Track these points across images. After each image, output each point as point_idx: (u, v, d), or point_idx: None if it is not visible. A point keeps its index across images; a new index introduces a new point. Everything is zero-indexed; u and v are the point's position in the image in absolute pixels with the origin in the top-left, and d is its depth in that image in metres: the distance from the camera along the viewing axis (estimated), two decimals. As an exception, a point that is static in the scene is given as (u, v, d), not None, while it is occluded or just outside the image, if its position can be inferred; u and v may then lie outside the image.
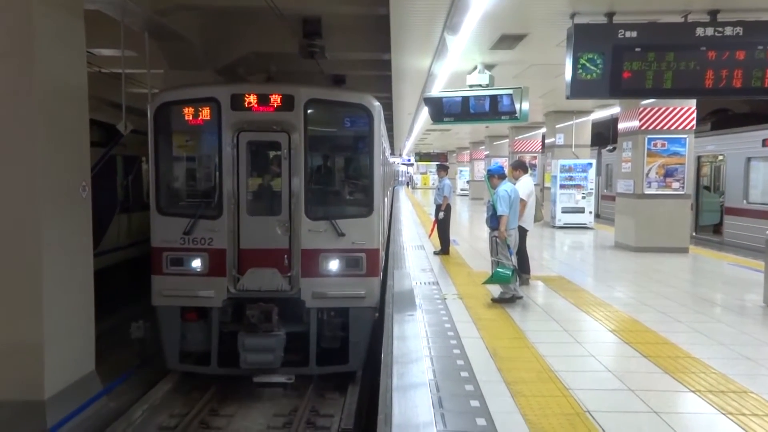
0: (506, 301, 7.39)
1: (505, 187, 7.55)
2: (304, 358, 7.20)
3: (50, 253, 5.85)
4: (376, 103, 7.44)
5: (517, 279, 7.51)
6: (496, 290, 7.62)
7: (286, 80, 8.94)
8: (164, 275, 7.13)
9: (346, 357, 7.32)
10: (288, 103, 7.06)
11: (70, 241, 6.19)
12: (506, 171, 8.37)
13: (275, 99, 7.05)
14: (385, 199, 12.13)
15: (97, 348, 6.71)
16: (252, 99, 7.03)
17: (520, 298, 7.56)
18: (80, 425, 6.14)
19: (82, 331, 6.38)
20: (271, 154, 7.61)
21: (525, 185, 8.38)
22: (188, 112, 7.15)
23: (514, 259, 7.47)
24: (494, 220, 7.50)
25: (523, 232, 8.25)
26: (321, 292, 7.16)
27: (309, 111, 7.16)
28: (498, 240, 7.48)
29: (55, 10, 5.91)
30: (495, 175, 7.78)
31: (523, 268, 8.36)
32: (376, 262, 7.39)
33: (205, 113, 7.11)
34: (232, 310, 7.25)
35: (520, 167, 8.65)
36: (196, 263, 7.12)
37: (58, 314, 5.98)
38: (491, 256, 7.76)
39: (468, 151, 37.04)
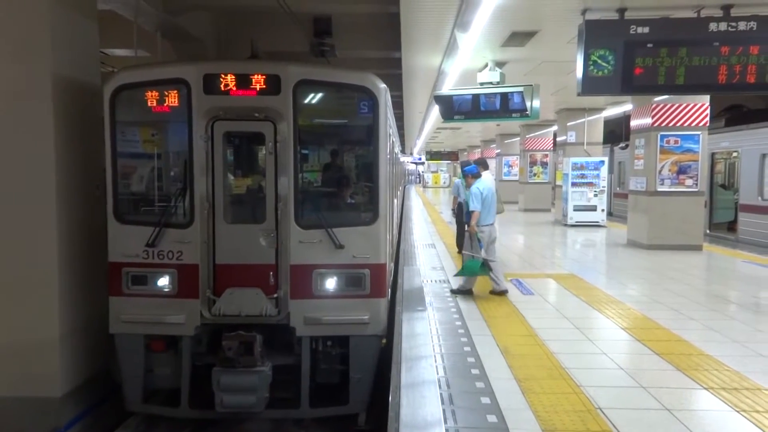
0: (463, 292, 7.74)
1: (477, 185, 7.87)
2: (295, 397, 6.01)
3: (64, 251, 5.93)
4: (382, 85, 6.07)
5: (490, 272, 7.70)
6: (495, 285, 7.61)
7: (273, 58, 7.21)
8: (124, 296, 5.92)
9: (347, 396, 6.10)
10: (273, 84, 5.77)
11: (83, 239, 6.26)
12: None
13: (258, 80, 5.77)
14: (395, 201, 11.21)
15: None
16: (229, 80, 5.75)
17: (506, 291, 7.75)
18: (93, 423, 6.22)
19: (95, 328, 6.45)
20: (256, 148, 6.46)
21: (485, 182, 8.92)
22: (151, 96, 5.90)
23: (483, 252, 7.68)
24: (468, 216, 7.91)
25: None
26: (315, 317, 5.91)
27: (299, 95, 5.90)
28: (469, 234, 7.84)
29: (68, 10, 5.98)
30: (469, 175, 8.27)
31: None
32: (382, 280, 6.15)
33: (173, 98, 5.87)
34: (208, 338, 6.06)
35: (481, 164, 9.11)
36: (163, 282, 5.89)
37: (72, 312, 6.06)
38: (463, 249, 8.30)
39: (479, 150, 36.93)
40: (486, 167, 9.13)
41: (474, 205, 7.69)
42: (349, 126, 6.56)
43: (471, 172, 8.29)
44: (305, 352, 6.00)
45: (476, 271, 7.56)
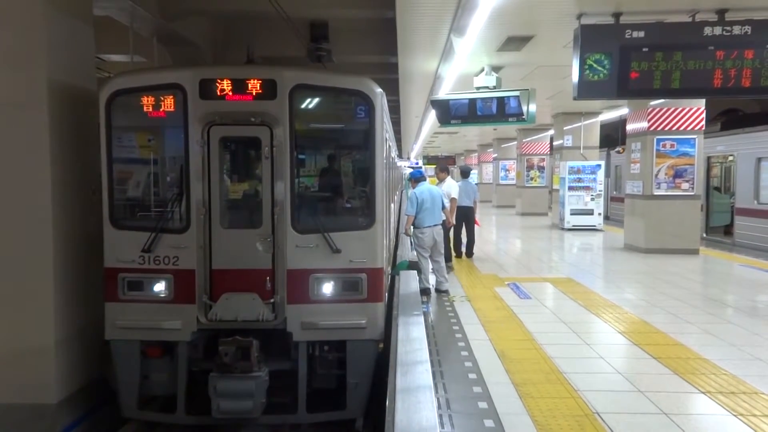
0: (439, 291, 8.26)
1: (415, 189, 8.34)
2: (292, 402, 5.97)
3: (60, 256, 5.90)
4: (378, 90, 6.07)
5: (420, 272, 8.29)
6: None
7: (270, 63, 7.39)
8: (120, 302, 5.90)
9: (344, 401, 6.07)
10: (269, 89, 5.79)
11: (79, 245, 6.24)
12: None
13: (254, 85, 5.78)
14: (392, 205, 11.23)
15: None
16: (225, 85, 5.76)
17: (439, 292, 8.23)
18: (89, 430, 6.17)
19: (91, 335, 6.42)
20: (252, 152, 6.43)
21: (447, 186, 9.55)
22: (147, 102, 5.91)
23: (413, 254, 8.27)
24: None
25: (445, 228, 9.25)
26: (312, 322, 5.89)
27: (296, 99, 5.89)
28: (404, 234, 8.55)
29: (64, 16, 5.97)
30: (412, 179, 8.90)
31: (447, 257, 9.64)
32: (379, 285, 6.14)
33: (168, 103, 5.90)
34: (204, 344, 6.04)
35: (444, 171, 9.90)
36: (159, 287, 5.88)
37: (68, 318, 6.03)
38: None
39: (476, 154, 37.01)
40: (448, 173, 9.87)
41: (407, 209, 8.24)
42: (346, 130, 6.55)
43: (413, 176, 8.96)
44: (302, 357, 5.98)
45: (404, 269, 8.24)
